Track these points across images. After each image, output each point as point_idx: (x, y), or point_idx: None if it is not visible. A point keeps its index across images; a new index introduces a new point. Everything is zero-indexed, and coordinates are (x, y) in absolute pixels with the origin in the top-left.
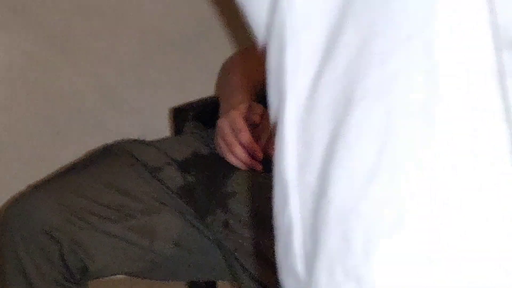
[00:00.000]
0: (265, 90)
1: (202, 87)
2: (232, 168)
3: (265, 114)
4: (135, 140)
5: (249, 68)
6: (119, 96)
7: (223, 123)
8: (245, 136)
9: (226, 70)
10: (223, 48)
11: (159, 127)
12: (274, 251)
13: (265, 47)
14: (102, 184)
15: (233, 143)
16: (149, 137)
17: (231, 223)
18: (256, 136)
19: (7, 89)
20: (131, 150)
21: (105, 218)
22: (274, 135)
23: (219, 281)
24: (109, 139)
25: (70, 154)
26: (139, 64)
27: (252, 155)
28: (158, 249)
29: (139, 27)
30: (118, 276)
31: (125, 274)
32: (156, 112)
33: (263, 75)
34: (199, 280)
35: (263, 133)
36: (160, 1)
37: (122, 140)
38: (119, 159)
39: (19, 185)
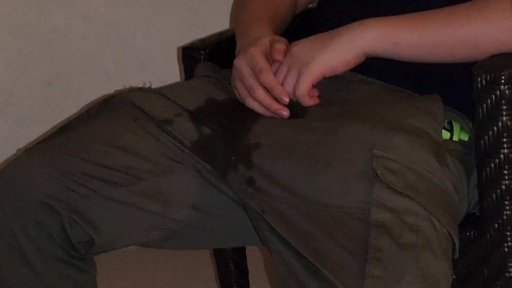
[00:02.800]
0: (290, 20)
1: (215, 21)
2: (254, 115)
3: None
4: (139, 89)
5: None
6: (119, 36)
7: (241, 63)
8: (268, 76)
9: None
10: None
11: (166, 71)
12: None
13: None
14: (103, 143)
15: (254, 85)
16: (155, 84)
17: (257, 180)
18: None
19: None
20: (135, 101)
21: (109, 182)
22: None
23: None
24: (109, 89)
25: (64, 109)
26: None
27: (276, 99)
28: (174, 215)
29: None
30: (128, 247)
31: (138, 245)
32: (162, 53)
33: (288, 1)
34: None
35: None
36: None
37: (124, 89)
38: (121, 113)
39: (6, 149)
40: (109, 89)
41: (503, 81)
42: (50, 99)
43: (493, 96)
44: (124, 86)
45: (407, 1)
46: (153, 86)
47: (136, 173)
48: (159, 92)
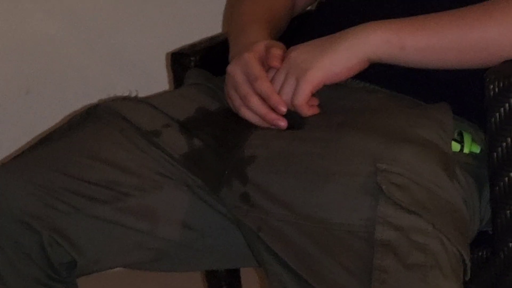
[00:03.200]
0: (287, 23)
1: (207, 25)
2: (248, 126)
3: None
4: (124, 98)
5: None
6: (103, 42)
7: (234, 69)
8: (263, 84)
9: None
10: None
11: (154, 79)
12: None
13: None
14: (86, 156)
15: (249, 93)
16: (142, 93)
17: (252, 196)
18: None
19: None
20: (120, 111)
21: (93, 198)
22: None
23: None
24: (93, 98)
25: (44, 120)
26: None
27: (273, 108)
28: (163, 234)
29: None
30: (115, 269)
31: (123, 266)
32: (149, 60)
33: (284, 2)
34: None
35: None
36: None
37: (109, 98)
38: (106, 124)
39: None
40: (93, 99)
41: None
42: (29, 109)
43: (507, 104)
44: (109, 95)
45: (413, 2)
46: (140, 95)
47: (121, 189)
48: (146, 102)
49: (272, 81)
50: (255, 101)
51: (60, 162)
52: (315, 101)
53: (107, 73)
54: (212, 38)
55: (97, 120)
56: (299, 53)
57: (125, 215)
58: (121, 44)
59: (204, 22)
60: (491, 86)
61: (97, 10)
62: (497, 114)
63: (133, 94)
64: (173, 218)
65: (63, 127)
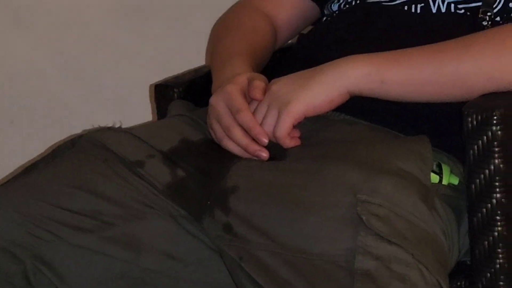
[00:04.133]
0: (269, 56)
1: (190, 57)
2: (231, 157)
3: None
4: (109, 128)
5: (248, 28)
6: (87, 74)
7: (217, 101)
8: (246, 116)
9: (219, 31)
10: (215, 9)
11: (138, 110)
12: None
13: None
14: (70, 185)
15: (231, 125)
16: (126, 124)
17: (234, 226)
18: None
19: None
20: (104, 141)
21: (76, 227)
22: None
23: None
24: (77, 129)
25: (28, 150)
26: (111, 31)
27: (254, 140)
28: (146, 263)
29: None
30: None
31: None
32: (134, 91)
33: (266, 36)
34: None
35: None
36: None
37: (93, 129)
38: (90, 154)
39: None
40: (77, 130)
41: (495, 121)
42: (12, 139)
43: (485, 137)
44: (93, 125)
45: (391, 37)
46: (124, 126)
47: (105, 218)
48: (130, 132)
49: (254, 113)
50: (237, 133)
51: (44, 191)
52: (297, 133)
53: (91, 105)
54: (195, 71)
55: (81, 150)
56: (281, 85)
57: (109, 245)
58: (105, 77)
59: (187, 54)
60: (469, 119)
61: (82, 42)
62: (475, 147)
63: (117, 125)
64: (156, 248)
65: (48, 157)
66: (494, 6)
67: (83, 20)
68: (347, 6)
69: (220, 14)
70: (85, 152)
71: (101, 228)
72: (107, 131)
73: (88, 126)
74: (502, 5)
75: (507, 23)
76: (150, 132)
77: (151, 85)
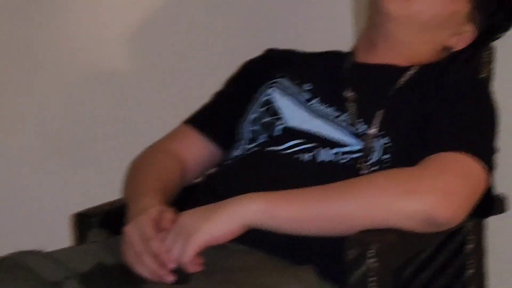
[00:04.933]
0: (178, 191)
1: (108, 190)
2: (141, 280)
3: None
4: (31, 252)
5: (159, 167)
6: (10, 201)
7: (130, 230)
8: (155, 244)
9: (133, 170)
10: (134, 145)
11: (59, 236)
12: None
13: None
14: None
15: (142, 252)
16: (48, 248)
17: None
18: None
19: None
20: (26, 263)
21: None
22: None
23: None
24: (0, 253)
25: None
26: (35, 161)
27: (162, 266)
28: None
29: (34, 123)
30: None
31: None
32: (55, 219)
33: (175, 174)
34: None
35: None
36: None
37: (16, 252)
38: (12, 274)
39: None
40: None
41: (371, 255)
42: None
43: (364, 267)
44: (16, 249)
45: (283, 179)
46: (45, 250)
47: None
48: (50, 255)
49: (164, 241)
50: (147, 259)
51: None
52: (200, 260)
53: (14, 230)
54: (112, 203)
55: (4, 270)
56: (187, 217)
57: None
58: (27, 205)
59: (104, 188)
60: (350, 251)
61: (7, 170)
62: (355, 276)
63: (39, 249)
64: None
65: None
66: (369, 158)
67: (11, 150)
68: (248, 151)
69: (136, 147)
70: (8, 272)
71: None
72: (29, 254)
73: (11, 250)
74: (377, 159)
75: (382, 169)
76: (69, 256)
77: (71, 215)
